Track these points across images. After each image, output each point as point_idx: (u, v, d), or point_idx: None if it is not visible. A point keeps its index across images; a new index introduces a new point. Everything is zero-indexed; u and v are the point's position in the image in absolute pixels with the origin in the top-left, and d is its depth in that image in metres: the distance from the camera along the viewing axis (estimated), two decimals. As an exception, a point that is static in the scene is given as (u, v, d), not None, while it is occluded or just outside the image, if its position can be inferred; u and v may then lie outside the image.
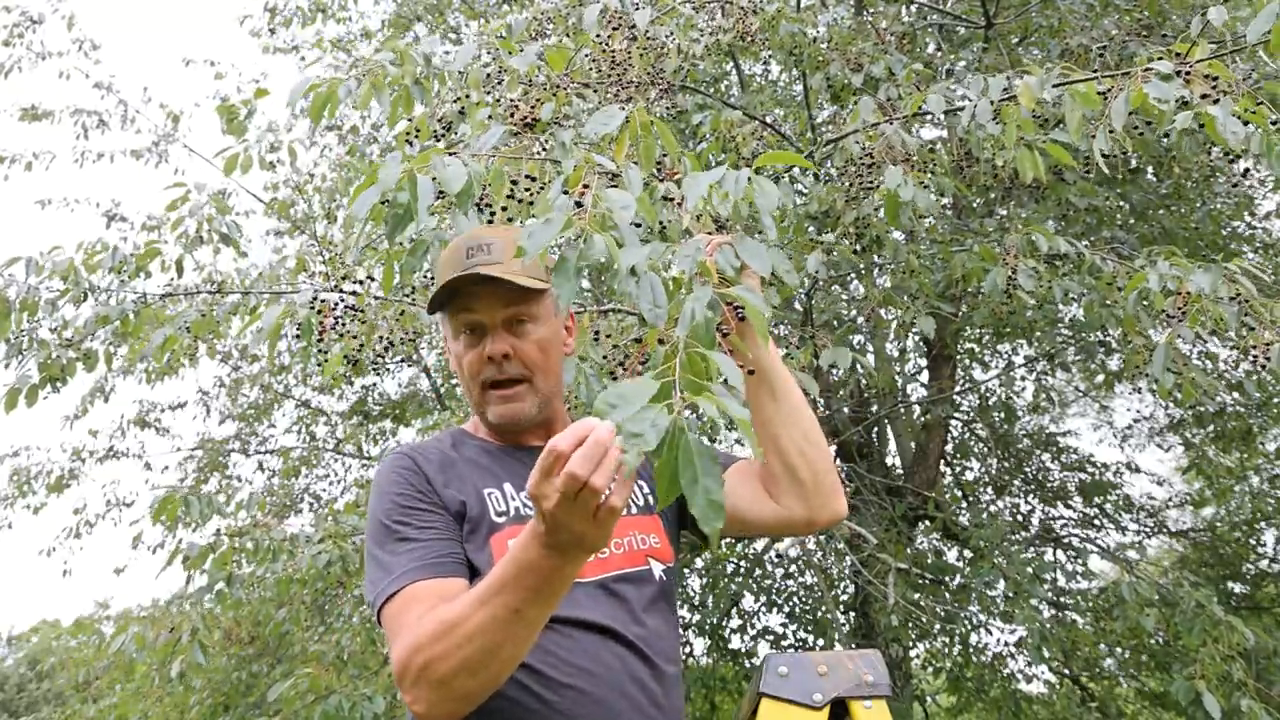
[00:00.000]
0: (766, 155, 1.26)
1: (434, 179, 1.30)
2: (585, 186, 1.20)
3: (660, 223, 1.35)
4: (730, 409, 0.88)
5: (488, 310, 1.35)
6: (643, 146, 1.40)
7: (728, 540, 6.27)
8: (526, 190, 1.44)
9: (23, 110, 5.17)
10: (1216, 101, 1.86)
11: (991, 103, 2.21)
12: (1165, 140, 3.38)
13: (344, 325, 2.34)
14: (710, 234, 1.22)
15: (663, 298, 1.09)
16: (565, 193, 1.21)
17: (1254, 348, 2.30)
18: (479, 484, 1.33)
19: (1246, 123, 1.88)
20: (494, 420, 1.38)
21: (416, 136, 2.08)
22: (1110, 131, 1.94)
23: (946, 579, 6.12)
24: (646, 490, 1.43)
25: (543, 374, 1.39)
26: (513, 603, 1.04)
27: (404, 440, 7.28)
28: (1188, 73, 1.94)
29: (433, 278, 2.79)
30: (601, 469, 0.91)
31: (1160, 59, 2.02)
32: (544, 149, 1.95)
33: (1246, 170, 2.17)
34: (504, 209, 1.46)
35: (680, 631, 1.48)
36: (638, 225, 1.16)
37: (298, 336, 2.36)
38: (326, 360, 2.34)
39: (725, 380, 0.95)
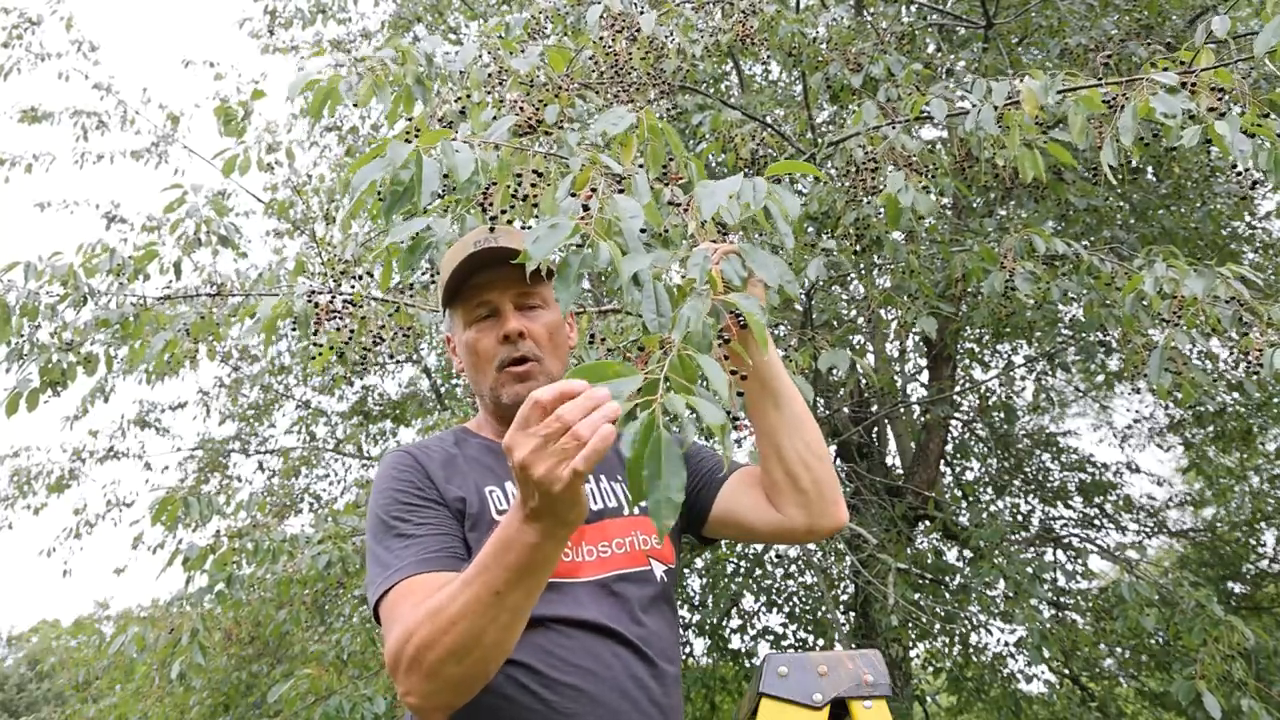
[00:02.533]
0: (778, 165, 1.25)
1: (441, 162, 1.29)
2: (592, 190, 1.19)
3: (664, 228, 1.35)
4: (704, 410, 0.89)
5: (500, 292, 1.39)
6: (650, 149, 1.39)
7: (728, 540, 6.27)
8: (533, 186, 1.43)
9: (22, 112, 5.17)
10: (1223, 115, 1.86)
11: (995, 108, 2.21)
12: (1163, 145, 3.38)
13: (340, 320, 2.35)
14: (715, 241, 1.22)
15: (666, 306, 1.09)
16: (572, 195, 1.21)
17: (1249, 351, 2.30)
18: (480, 482, 1.33)
19: (1252, 135, 1.87)
20: (508, 401, 1.38)
21: (416, 136, 2.08)
22: (1117, 141, 1.93)
23: (946, 579, 6.12)
24: None
25: (552, 357, 1.41)
26: (494, 583, 1.03)
27: (404, 440, 7.28)
28: (1193, 84, 1.94)
29: (433, 279, 2.79)
30: (588, 420, 0.91)
31: (1166, 68, 2.01)
32: (550, 151, 1.94)
33: (1255, 184, 2.16)
34: (509, 208, 1.45)
35: (680, 631, 1.47)
36: (643, 231, 1.16)
37: (293, 329, 2.37)
38: (325, 352, 2.34)
39: (706, 383, 0.95)
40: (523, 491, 0.97)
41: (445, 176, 1.28)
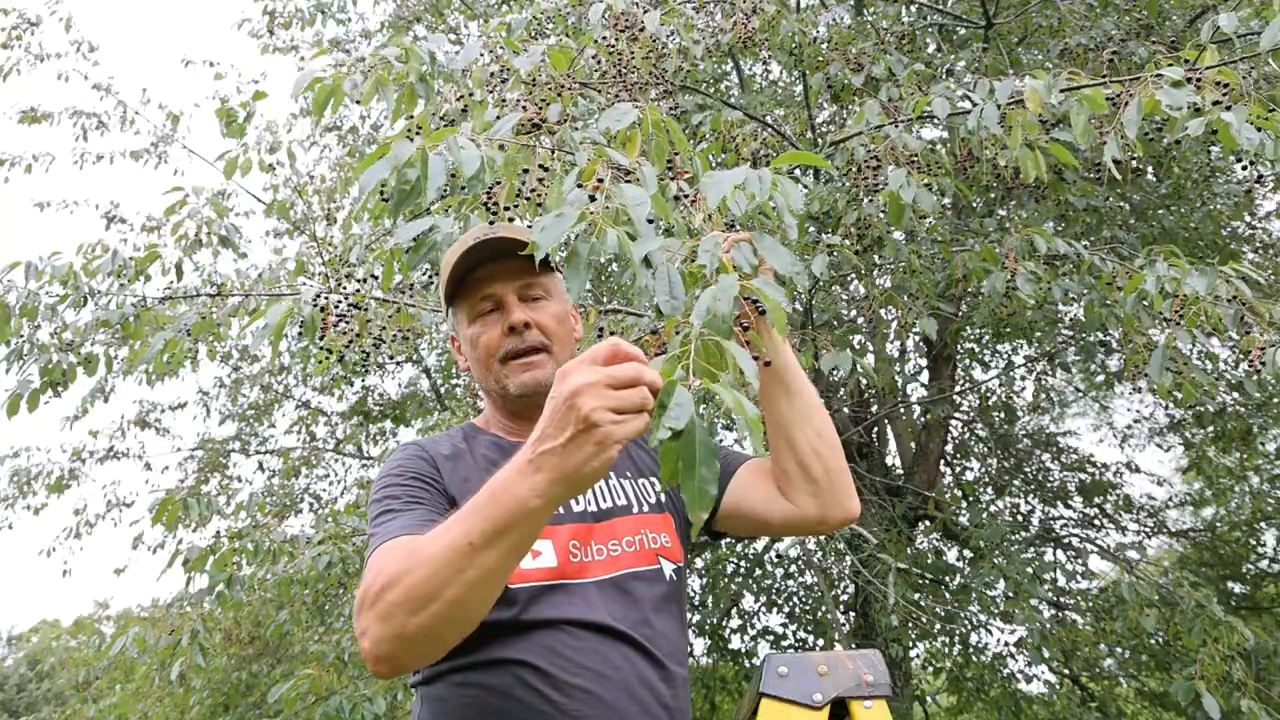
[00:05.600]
0: (786, 155, 1.25)
1: (447, 159, 1.28)
2: (599, 181, 1.19)
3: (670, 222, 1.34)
4: (744, 404, 0.87)
5: (504, 285, 1.37)
6: (655, 145, 1.39)
7: (728, 540, 6.28)
8: (540, 181, 1.43)
9: (22, 113, 5.17)
10: (1229, 108, 1.86)
11: (998, 106, 2.21)
12: (1170, 140, 3.39)
13: (346, 323, 2.35)
14: (724, 232, 1.21)
15: (680, 289, 1.08)
16: (579, 186, 1.21)
17: (1250, 350, 2.29)
18: (485, 479, 1.32)
19: (1258, 129, 1.87)
20: (515, 390, 1.37)
21: (418, 134, 2.08)
22: (1122, 139, 1.93)
23: (946, 579, 6.12)
24: (658, 488, 1.43)
25: (560, 345, 1.40)
26: (470, 532, 0.97)
27: (404, 440, 7.26)
28: (1198, 79, 1.94)
29: (432, 279, 2.79)
30: (646, 384, 0.90)
31: (1170, 64, 2.01)
32: (553, 150, 1.94)
33: (1260, 178, 2.16)
34: (513, 205, 1.45)
35: (687, 632, 1.45)
36: (651, 221, 1.16)
37: (300, 334, 2.38)
38: (327, 357, 2.35)
39: (741, 373, 0.94)
40: (550, 426, 0.92)
41: (452, 176, 1.27)
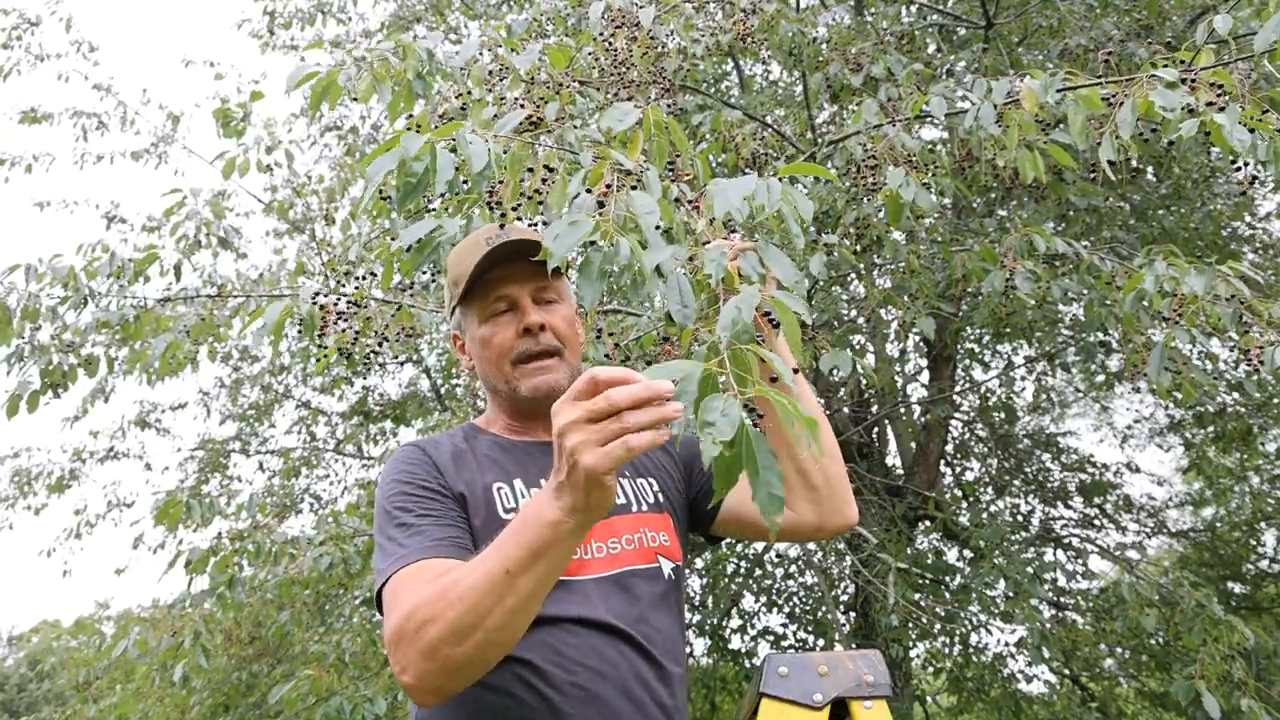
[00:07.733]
0: (790, 166, 1.25)
1: (455, 153, 1.28)
2: (607, 187, 1.19)
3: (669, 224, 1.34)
4: (800, 407, 0.87)
5: (519, 286, 1.38)
6: (655, 146, 1.39)
7: (728, 540, 6.29)
8: (544, 181, 1.43)
9: (22, 113, 5.17)
10: (1223, 109, 1.86)
11: (995, 106, 2.21)
12: (1165, 141, 3.39)
13: (345, 321, 2.35)
14: (726, 239, 1.22)
15: (690, 298, 1.08)
16: (588, 191, 1.20)
17: (1249, 349, 2.29)
18: (488, 479, 1.32)
19: (1251, 130, 1.87)
20: (526, 393, 1.37)
21: (418, 132, 2.06)
22: (1116, 138, 1.94)
23: (946, 579, 6.13)
24: (656, 488, 1.43)
25: (571, 349, 1.41)
26: (507, 560, 1.00)
27: (404, 441, 7.26)
28: (1193, 80, 1.94)
29: (433, 279, 2.79)
30: (641, 414, 0.89)
31: (1166, 65, 2.02)
32: (559, 147, 1.94)
33: (1254, 180, 2.16)
34: (515, 207, 1.45)
35: (685, 631, 1.45)
36: (657, 228, 1.16)
37: (299, 333, 2.38)
38: (325, 355, 2.35)
39: (774, 378, 0.94)
40: (557, 460, 0.95)
41: (455, 170, 1.27)
